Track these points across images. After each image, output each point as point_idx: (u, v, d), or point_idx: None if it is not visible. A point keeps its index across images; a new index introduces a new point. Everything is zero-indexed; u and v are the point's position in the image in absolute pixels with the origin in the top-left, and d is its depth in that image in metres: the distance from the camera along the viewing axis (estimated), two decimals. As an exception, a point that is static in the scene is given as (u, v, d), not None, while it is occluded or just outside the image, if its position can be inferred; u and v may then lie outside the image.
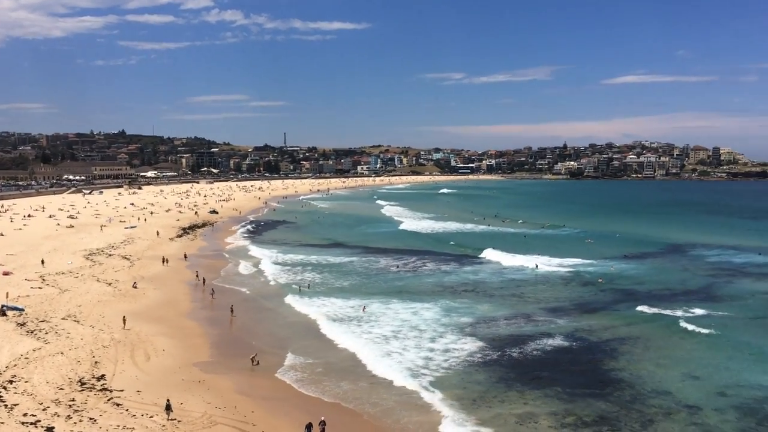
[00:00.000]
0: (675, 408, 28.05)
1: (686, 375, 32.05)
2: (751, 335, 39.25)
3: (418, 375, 31.96)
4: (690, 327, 40.68)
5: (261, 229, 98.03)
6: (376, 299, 48.88)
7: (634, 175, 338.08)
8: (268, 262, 65.65)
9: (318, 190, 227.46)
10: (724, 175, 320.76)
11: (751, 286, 54.66)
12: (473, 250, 75.33)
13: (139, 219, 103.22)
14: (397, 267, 64.35)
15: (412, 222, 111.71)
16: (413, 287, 54.35)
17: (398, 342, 37.79)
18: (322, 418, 25.72)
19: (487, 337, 39.03)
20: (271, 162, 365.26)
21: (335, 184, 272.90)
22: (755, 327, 41.24)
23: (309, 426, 25.16)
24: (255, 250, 73.40)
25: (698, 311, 45.05)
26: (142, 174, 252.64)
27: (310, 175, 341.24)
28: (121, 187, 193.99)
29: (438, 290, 53.20)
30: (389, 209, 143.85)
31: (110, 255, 65.44)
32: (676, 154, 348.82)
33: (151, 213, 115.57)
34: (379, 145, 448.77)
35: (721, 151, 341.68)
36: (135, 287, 50.13)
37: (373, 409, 27.92)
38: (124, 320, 39.55)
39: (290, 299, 48.80)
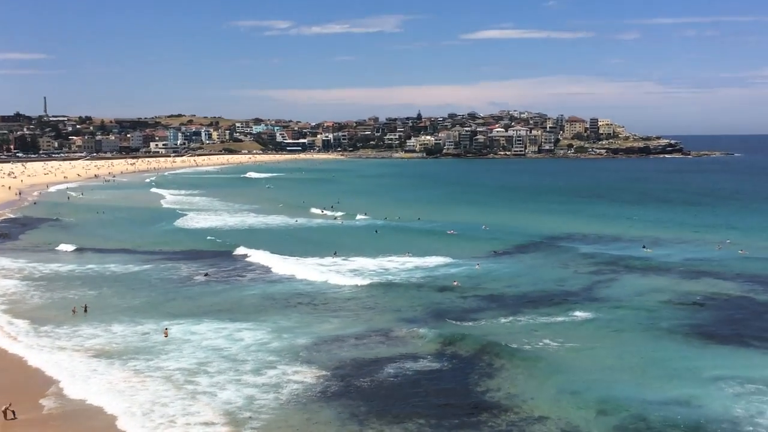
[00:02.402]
0: (554, 432, 30.36)
1: (565, 391, 34.81)
2: (634, 342, 43.47)
3: (239, 421, 31.65)
4: (566, 334, 44.24)
5: (17, 232, 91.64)
6: (179, 322, 47.92)
7: (502, 153, 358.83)
8: (17, 280, 61.55)
9: (95, 176, 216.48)
10: (603, 151, 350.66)
11: (635, 283, 60.45)
12: (309, 252, 76.19)
13: None
14: (207, 275, 63.99)
15: (225, 217, 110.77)
16: (230, 302, 54.09)
17: (208, 378, 37.21)
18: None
19: (331, 363, 39.67)
20: (27, 137, 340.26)
21: (119, 167, 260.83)
22: (639, 332, 45.72)
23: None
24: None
25: (578, 315, 49.08)
26: None
27: (83, 154, 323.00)
28: None
29: (264, 305, 53.33)
30: (194, 201, 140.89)
31: None
32: (550, 127, 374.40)
33: None
34: (181, 115, 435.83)
35: (600, 123, 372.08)
36: None
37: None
38: None
39: (36, 342, 46.00)
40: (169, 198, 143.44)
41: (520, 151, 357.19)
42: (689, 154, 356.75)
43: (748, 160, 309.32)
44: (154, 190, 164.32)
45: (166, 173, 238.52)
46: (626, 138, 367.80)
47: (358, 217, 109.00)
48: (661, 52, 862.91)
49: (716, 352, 41.39)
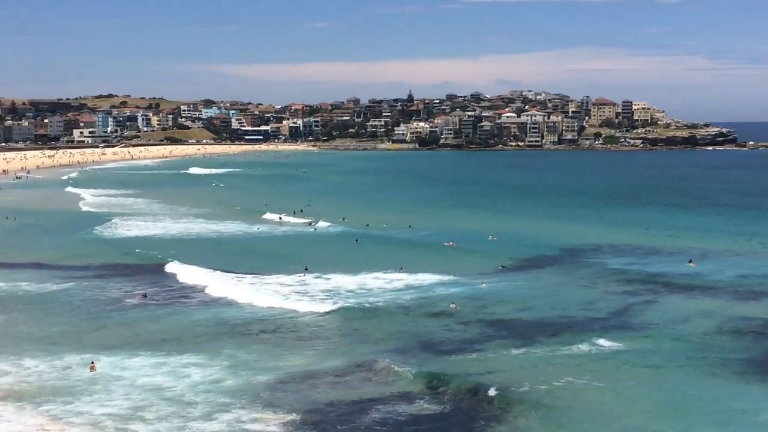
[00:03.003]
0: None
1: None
2: (676, 380, 43.66)
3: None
4: (592, 370, 44.39)
5: None
6: (110, 354, 47.72)
7: (514, 144, 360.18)
8: None
9: (3, 171, 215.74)
10: (638, 142, 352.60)
11: (678, 306, 60.79)
12: (272, 268, 76.18)
13: None
14: (145, 296, 64.11)
15: (166, 224, 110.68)
16: (173, 330, 53.99)
17: (145, 426, 37.06)
18: None
19: (300, 406, 39.62)
20: None
21: (35, 160, 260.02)
22: (682, 367, 45.92)
23: None
24: None
25: (606, 346, 49.25)
26: None
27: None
28: None
29: (216, 333, 53.25)
30: (126, 203, 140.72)
31: None
32: (572, 111, 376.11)
33: None
34: (112, 96, 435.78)
35: (635, 107, 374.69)
36: None
37: None
38: None
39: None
40: (91, 200, 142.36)
41: (536, 141, 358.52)
42: (745, 146, 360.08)
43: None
44: (70, 189, 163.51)
45: (90, 168, 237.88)
46: (667, 125, 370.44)
47: (334, 223, 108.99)
48: (711, 19, 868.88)
49: (778, 392, 41.67)
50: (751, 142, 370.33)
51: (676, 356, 47.68)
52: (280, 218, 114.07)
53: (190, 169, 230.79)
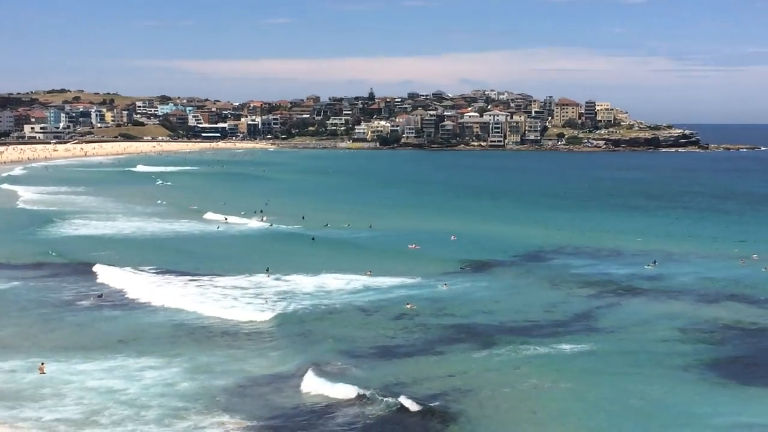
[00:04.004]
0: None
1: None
2: (639, 382, 44.11)
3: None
4: (555, 373, 44.77)
5: None
6: (61, 357, 47.26)
7: (476, 143, 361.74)
8: None
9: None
10: (601, 143, 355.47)
11: (642, 309, 61.53)
12: (231, 269, 76.15)
13: None
14: (101, 296, 63.82)
15: (120, 223, 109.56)
16: (128, 332, 53.67)
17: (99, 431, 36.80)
18: None
19: (259, 411, 39.58)
20: None
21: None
22: (645, 370, 46.43)
23: None
24: None
25: (570, 348, 49.74)
26: None
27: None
28: None
29: (173, 336, 53.08)
30: (78, 201, 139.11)
31: None
32: (535, 112, 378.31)
33: None
34: (65, 91, 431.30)
35: (598, 108, 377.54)
36: None
37: None
38: None
39: None
40: (28, 197, 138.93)
41: (499, 141, 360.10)
42: (707, 148, 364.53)
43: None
44: (5, 186, 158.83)
45: (39, 165, 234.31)
46: (630, 126, 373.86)
47: (293, 223, 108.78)
48: (676, 20, 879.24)
49: (738, 396, 42.19)
50: (714, 144, 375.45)
51: (639, 360, 48.16)
52: (226, 219, 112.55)
53: (137, 166, 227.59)
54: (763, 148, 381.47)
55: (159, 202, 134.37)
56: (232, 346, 51.05)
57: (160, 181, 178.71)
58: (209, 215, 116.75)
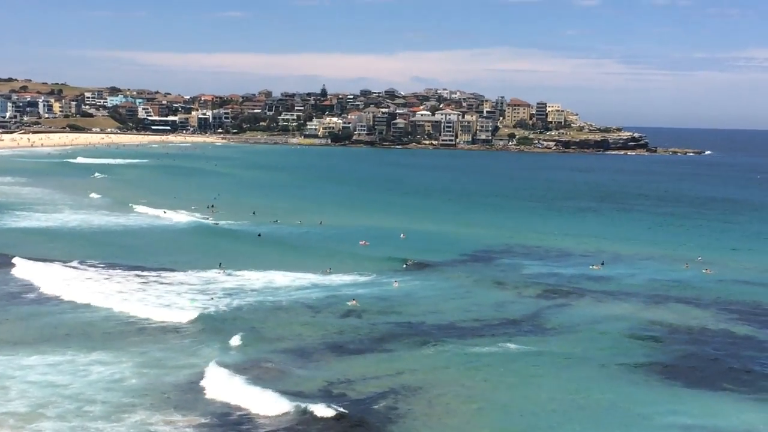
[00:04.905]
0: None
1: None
2: (584, 381, 44.93)
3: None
4: (503, 371, 45.52)
5: None
6: (4, 350, 47.29)
7: (428, 142, 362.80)
8: None
9: None
10: (552, 144, 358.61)
11: (589, 309, 62.59)
12: (182, 263, 76.10)
13: None
14: (39, 291, 63.16)
15: (66, 215, 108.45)
16: (74, 326, 53.41)
17: (47, 424, 36.43)
18: None
19: (209, 408, 39.78)
20: None
21: None
22: (591, 368, 47.28)
23: None
24: None
25: (518, 347, 50.39)
26: None
27: None
28: None
29: (123, 331, 53.04)
30: (23, 192, 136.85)
31: None
32: (487, 111, 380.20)
33: None
34: (12, 80, 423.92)
35: (549, 109, 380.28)
36: None
37: None
38: None
39: None
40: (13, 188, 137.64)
41: (450, 140, 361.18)
42: (655, 151, 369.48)
43: (720, 161, 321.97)
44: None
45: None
46: (580, 128, 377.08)
47: (243, 219, 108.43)
48: (627, 24, 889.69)
49: (681, 397, 43.14)
50: (661, 148, 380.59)
51: (585, 359, 48.95)
52: (164, 212, 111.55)
53: (77, 158, 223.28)
54: (708, 152, 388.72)
55: (93, 195, 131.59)
56: (183, 340, 51.03)
57: (98, 174, 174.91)
58: (143, 209, 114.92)
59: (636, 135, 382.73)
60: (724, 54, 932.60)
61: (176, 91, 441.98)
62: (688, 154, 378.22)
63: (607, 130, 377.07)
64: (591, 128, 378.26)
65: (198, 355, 47.89)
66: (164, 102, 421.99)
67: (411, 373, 44.92)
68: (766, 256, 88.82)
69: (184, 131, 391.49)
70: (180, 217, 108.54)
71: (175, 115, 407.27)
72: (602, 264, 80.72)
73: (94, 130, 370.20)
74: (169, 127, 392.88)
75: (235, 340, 50.88)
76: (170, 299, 61.43)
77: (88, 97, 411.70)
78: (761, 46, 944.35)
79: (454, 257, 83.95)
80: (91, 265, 73.58)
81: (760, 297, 67.75)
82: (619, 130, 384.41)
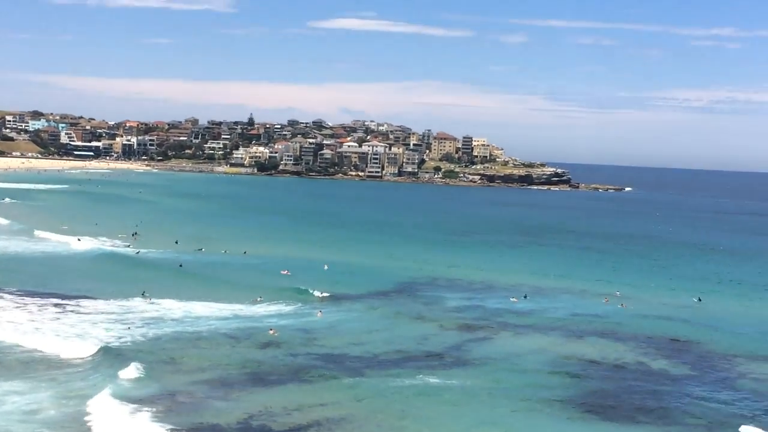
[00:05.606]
0: None
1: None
2: (505, 415, 45.36)
3: None
4: (424, 404, 45.64)
5: None
6: None
7: (354, 173, 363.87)
8: None
9: None
10: (477, 178, 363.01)
11: (511, 342, 63.21)
12: (103, 291, 75.08)
13: None
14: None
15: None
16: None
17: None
18: None
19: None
20: None
21: None
22: (512, 402, 47.74)
23: None
24: None
25: (439, 381, 50.59)
26: None
27: None
28: None
29: (41, 360, 52.19)
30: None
31: None
32: (414, 144, 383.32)
33: None
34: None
35: (475, 143, 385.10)
36: None
37: None
38: None
39: None
40: None
41: (377, 171, 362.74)
42: (578, 187, 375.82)
43: (639, 198, 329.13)
44: None
45: None
46: (505, 163, 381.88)
47: (165, 248, 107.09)
48: (553, 62, 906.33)
49: (599, 430, 43.55)
50: (584, 184, 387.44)
51: (505, 394, 49.28)
52: (79, 239, 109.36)
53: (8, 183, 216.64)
54: (628, 189, 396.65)
55: (40, 219, 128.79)
56: (100, 370, 50.09)
57: (8, 199, 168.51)
58: (57, 237, 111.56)
59: (559, 171, 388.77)
60: (646, 93, 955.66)
61: (101, 117, 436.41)
62: (609, 190, 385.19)
63: (531, 166, 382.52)
64: (516, 163, 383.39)
65: (97, 387, 46.56)
66: (88, 127, 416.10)
67: (333, 405, 44.73)
68: (680, 292, 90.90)
69: (108, 157, 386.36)
70: (100, 245, 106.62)
71: (99, 141, 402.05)
72: (524, 297, 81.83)
73: (14, 154, 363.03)
74: (92, 153, 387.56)
75: (146, 371, 49.92)
76: (83, 329, 60.22)
77: (9, 121, 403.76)
78: (681, 87, 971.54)
79: (377, 289, 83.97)
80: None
81: (675, 331, 69.38)
82: (543, 165, 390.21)
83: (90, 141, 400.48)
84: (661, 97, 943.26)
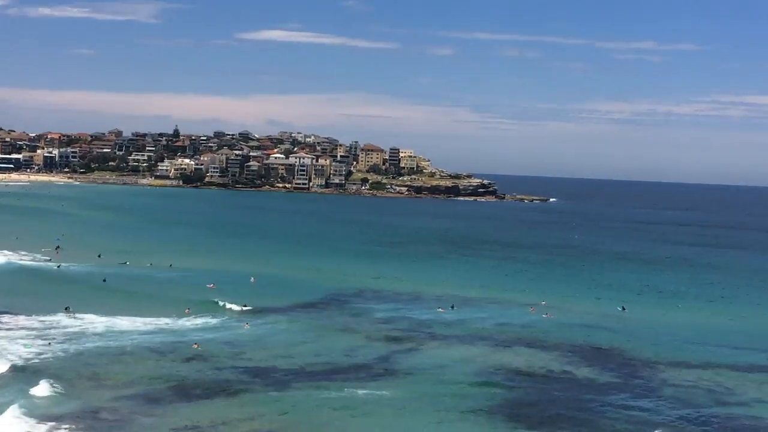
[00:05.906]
0: None
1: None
2: (432, 426, 45.45)
3: None
4: (351, 416, 45.66)
5: None
6: None
7: (281, 185, 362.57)
8: None
9: None
10: (404, 189, 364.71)
11: (438, 353, 63.45)
12: (24, 306, 73.48)
13: None
14: None
15: None
16: None
17: None
18: None
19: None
20: None
21: None
22: (438, 413, 47.91)
23: None
24: None
25: (367, 392, 50.54)
26: None
27: None
28: None
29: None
30: None
31: None
32: (341, 156, 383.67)
33: None
34: None
35: (402, 155, 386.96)
36: None
37: None
38: None
39: None
40: None
41: (304, 183, 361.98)
42: (504, 198, 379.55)
43: (563, 208, 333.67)
44: None
45: None
46: (432, 174, 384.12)
47: (87, 261, 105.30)
48: (478, 74, 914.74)
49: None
50: (510, 195, 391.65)
51: (432, 404, 49.46)
52: (40, 253, 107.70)
53: None
54: (552, 200, 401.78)
55: None
56: (12, 385, 49.00)
57: None
58: (27, 250, 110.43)
59: (485, 182, 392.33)
60: (570, 105, 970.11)
61: (21, 128, 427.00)
62: (534, 201, 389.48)
63: (458, 177, 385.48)
64: (442, 174, 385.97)
65: (3, 405, 45.47)
66: (8, 139, 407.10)
67: (259, 419, 44.48)
68: (605, 301, 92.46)
69: (29, 170, 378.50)
70: (19, 259, 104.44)
71: (20, 153, 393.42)
72: (452, 307, 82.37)
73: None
74: (12, 165, 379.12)
75: (66, 388, 49.07)
76: (12, 347, 58.68)
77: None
78: (604, 99, 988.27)
79: (304, 301, 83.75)
80: None
81: (599, 340, 70.43)
82: (469, 176, 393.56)
83: (10, 153, 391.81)
84: (585, 109, 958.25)
